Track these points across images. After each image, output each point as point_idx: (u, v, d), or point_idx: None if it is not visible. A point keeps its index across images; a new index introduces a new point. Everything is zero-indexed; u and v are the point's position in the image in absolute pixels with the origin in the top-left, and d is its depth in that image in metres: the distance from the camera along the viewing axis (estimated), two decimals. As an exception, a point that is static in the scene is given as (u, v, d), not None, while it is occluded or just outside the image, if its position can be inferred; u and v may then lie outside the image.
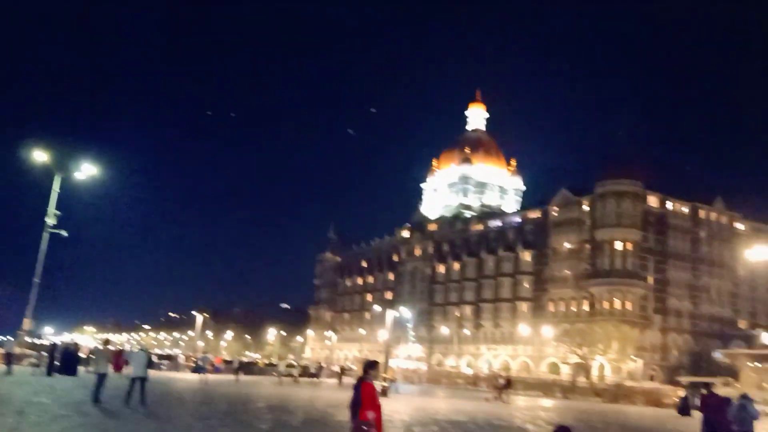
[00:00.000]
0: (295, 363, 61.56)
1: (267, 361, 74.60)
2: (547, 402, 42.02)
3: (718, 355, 70.96)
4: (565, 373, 71.70)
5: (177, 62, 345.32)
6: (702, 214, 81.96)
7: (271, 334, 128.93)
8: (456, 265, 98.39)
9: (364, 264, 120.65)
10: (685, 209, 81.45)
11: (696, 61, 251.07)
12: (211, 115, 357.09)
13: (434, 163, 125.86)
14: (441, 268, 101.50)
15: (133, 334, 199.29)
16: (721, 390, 39.13)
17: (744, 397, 14.02)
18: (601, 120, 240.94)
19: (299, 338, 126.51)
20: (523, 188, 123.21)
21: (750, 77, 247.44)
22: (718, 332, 77.91)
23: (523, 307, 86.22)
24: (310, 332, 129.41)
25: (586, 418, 26.42)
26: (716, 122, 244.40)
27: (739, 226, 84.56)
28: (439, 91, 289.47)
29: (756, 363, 61.60)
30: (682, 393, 53.79)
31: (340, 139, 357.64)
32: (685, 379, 60.91)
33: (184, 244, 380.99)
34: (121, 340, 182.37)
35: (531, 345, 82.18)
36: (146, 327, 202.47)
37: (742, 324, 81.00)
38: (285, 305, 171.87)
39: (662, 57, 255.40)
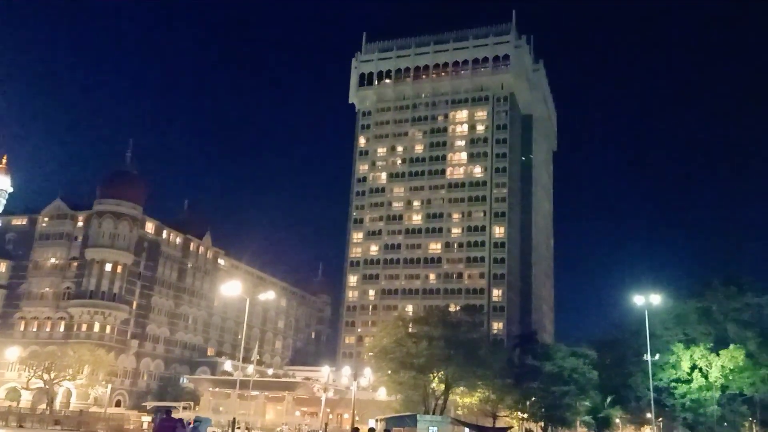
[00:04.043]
0: None
1: None
2: (-3, 433, 37.35)
3: (185, 380, 76.01)
4: (26, 399, 65.54)
5: None
6: (192, 246, 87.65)
7: None
8: None
9: None
10: (179, 240, 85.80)
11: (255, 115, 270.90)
12: None
13: None
14: None
15: None
16: (182, 413, 41.85)
17: (197, 419, 15.44)
18: (112, 141, 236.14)
19: None
20: (11, 190, 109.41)
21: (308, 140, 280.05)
22: (188, 359, 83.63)
23: (-12, 324, 75.90)
24: None
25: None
26: (229, 168, 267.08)
27: (222, 261, 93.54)
28: None
29: (217, 388, 68.13)
30: (147, 417, 55.46)
31: None
32: (150, 404, 62.85)
33: None
34: None
35: (-11, 369, 72.50)
36: None
37: (211, 351, 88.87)
38: None
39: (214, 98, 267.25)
